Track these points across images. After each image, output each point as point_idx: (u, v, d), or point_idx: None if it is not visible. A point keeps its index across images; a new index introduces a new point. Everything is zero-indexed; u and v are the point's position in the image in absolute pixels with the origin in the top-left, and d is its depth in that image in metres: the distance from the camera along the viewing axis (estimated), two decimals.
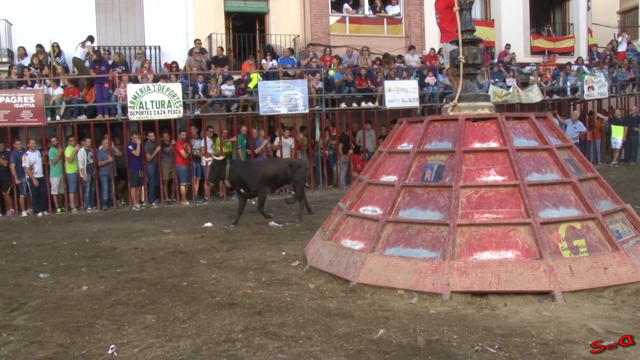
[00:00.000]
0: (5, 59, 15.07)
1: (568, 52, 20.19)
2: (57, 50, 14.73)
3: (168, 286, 6.24)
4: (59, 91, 13.77)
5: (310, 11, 17.50)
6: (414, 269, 5.53)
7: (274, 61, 16.10)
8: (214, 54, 16.21)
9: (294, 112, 14.63)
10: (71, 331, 4.88)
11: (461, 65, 6.67)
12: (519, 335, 4.42)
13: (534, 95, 16.39)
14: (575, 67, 18.07)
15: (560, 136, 6.65)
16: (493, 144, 6.10)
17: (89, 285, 6.42)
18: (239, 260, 7.39)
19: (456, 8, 6.69)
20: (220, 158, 10.64)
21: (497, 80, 16.67)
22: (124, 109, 13.60)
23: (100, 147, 13.51)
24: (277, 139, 14.84)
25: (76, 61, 14.49)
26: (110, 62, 14.95)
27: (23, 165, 12.89)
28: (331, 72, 15.65)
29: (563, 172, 6.04)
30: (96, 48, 15.16)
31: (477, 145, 6.11)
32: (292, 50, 16.63)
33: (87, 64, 14.60)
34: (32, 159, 12.98)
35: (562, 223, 5.62)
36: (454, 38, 6.94)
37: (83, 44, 14.53)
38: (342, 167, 15.56)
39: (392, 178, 6.44)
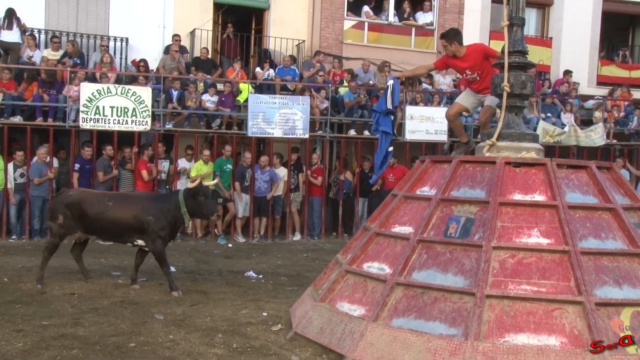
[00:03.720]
0: None
1: None
2: None
3: (110, 347, 6.20)
4: None
5: (320, 12, 17.58)
6: (426, 348, 5.51)
7: (271, 71, 16.26)
8: (197, 54, 16.40)
9: (290, 135, 14.73)
10: None
11: (504, 95, 6.73)
12: None
13: (598, 137, 16.32)
14: None
15: (628, 193, 6.67)
16: (538, 197, 6.13)
17: (0, 342, 6.35)
18: (205, 319, 7.37)
19: (505, 23, 6.77)
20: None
21: (549, 115, 16.76)
22: (76, 113, 13.60)
23: (35, 159, 13.35)
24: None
25: (9, 45, 14.35)
26: (61, 53, 15.00)
27: None
28: (341, 90, 15.83)
29: (630, 240, 6.02)
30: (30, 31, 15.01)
31: (517, 197, 6.15)
32: (294, 59, 16.82)
33: (27, 51, 14.56)
34: None
35: (626, 306, 5.55)
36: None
37: (9, 23, 14.19)
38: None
39: (407, 229, 6.48)
